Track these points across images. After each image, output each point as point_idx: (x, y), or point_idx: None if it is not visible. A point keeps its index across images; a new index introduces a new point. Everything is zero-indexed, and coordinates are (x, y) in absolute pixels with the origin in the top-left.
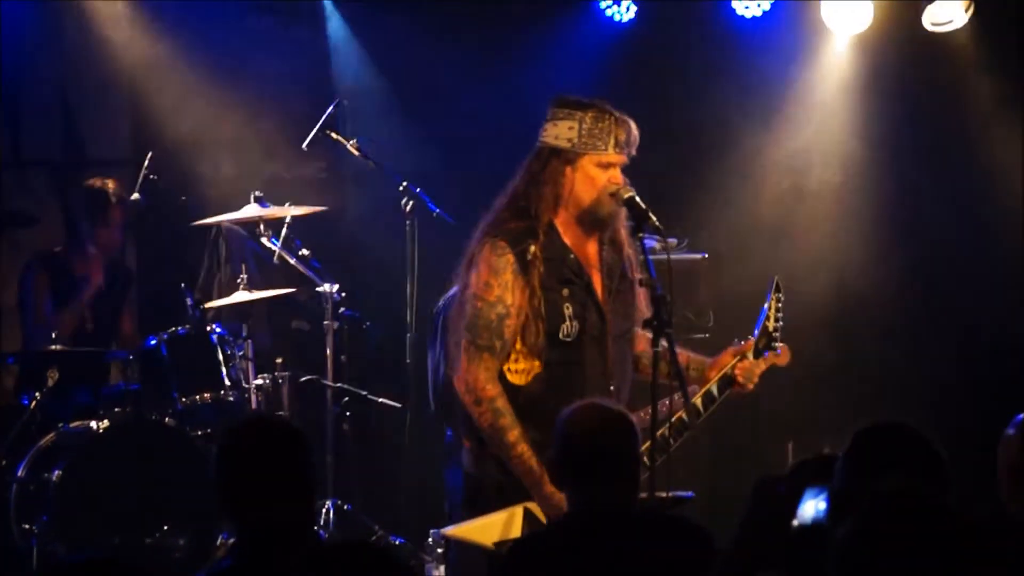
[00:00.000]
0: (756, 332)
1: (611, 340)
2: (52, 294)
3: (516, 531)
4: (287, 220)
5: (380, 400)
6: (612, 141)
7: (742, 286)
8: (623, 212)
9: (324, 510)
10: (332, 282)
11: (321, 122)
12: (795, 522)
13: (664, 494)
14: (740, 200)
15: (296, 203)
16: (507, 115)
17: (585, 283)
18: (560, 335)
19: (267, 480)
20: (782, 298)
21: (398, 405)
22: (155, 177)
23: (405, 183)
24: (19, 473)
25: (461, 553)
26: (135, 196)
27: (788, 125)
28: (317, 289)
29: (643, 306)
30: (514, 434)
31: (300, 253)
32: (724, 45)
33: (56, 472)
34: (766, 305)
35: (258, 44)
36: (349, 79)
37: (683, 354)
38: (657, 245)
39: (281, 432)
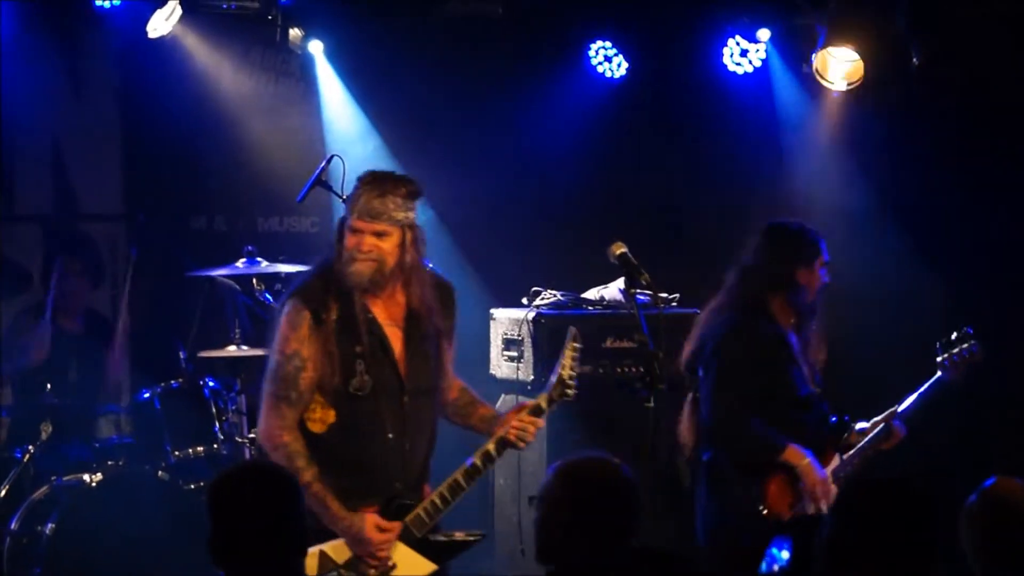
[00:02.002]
0: (550, 383)
1: (408, 396)
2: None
3: (311, 571)
4: (281, 275)
5: None
6: (359, 207)
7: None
8: (420, 273)
9: None
10: None
11: (314, 177)
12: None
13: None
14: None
15: (289, 257)
16: (501, 169)
17: (380, 341)
18: (350, 388)
19: (259, 529)
20: (578, 347)
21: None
22: (147, 230)
23: None
24: (12, 526)
25: None
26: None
27: (780, 178)
28: None
29: (447, 362)
30: (308, 474)
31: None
32: (715, 100)
33: (49, 525)
34: (561, 356)
35: (251, 99)
36: (341, 133)
37: (481, 406)
38: (649, 300)
39: (273, 480)
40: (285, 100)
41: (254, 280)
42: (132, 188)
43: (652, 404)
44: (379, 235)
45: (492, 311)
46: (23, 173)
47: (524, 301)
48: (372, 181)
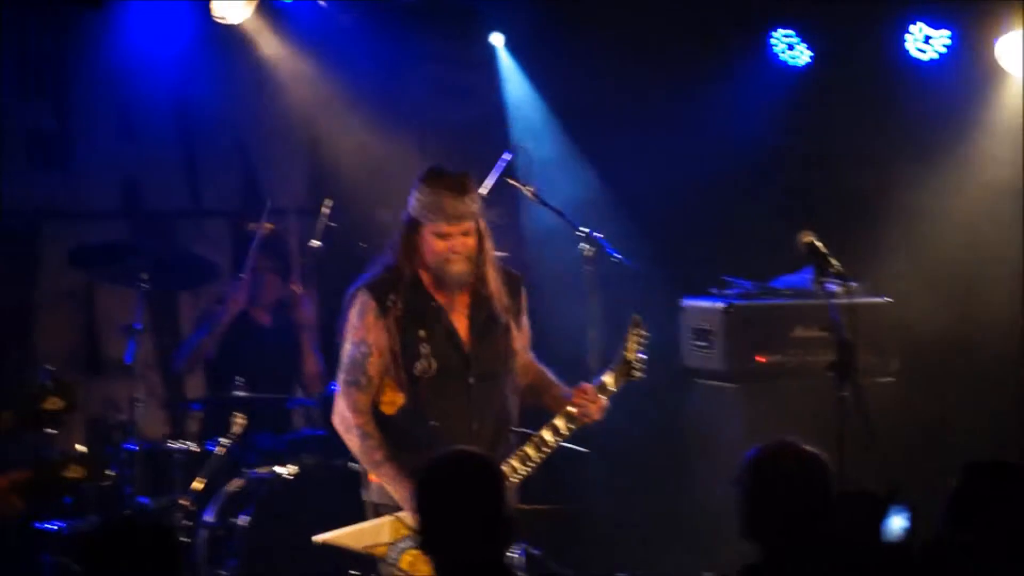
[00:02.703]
0: (612, 364)
1: (473, 378)
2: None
3: (383, 537)
4: None
5: (567, 445)
6: (444, 212)
7: (926, 329)
8: (491, 271)
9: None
10: None
11: (499, 168)
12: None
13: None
14: (920, 242)
15: None
16: (684, 158)
17: (444, 326)
18: (416, 372)
19: (464, 517)
20: (643, 332)
21: (584, 450)
22: (334, 224)
23: (584, 229)
24: (208, 518)
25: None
26: (315, 243)
27: (965, 167)
28: None
29: (516, 345)
30: (379, 454)
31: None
32: (899, 87)
33: (244, 517)
34: (625, 339)
35: (435, 91)
36: (526, 125)
37: (554, 387)
38: (839, 289)
39: (478, 468)
40: (469, 92)
41: None
42: (317, 182)
43: (846, 394)
44: (465, 233)
45: (682, 301)
46: (211, 168)
47: (713, 291)
48: (445, 183)
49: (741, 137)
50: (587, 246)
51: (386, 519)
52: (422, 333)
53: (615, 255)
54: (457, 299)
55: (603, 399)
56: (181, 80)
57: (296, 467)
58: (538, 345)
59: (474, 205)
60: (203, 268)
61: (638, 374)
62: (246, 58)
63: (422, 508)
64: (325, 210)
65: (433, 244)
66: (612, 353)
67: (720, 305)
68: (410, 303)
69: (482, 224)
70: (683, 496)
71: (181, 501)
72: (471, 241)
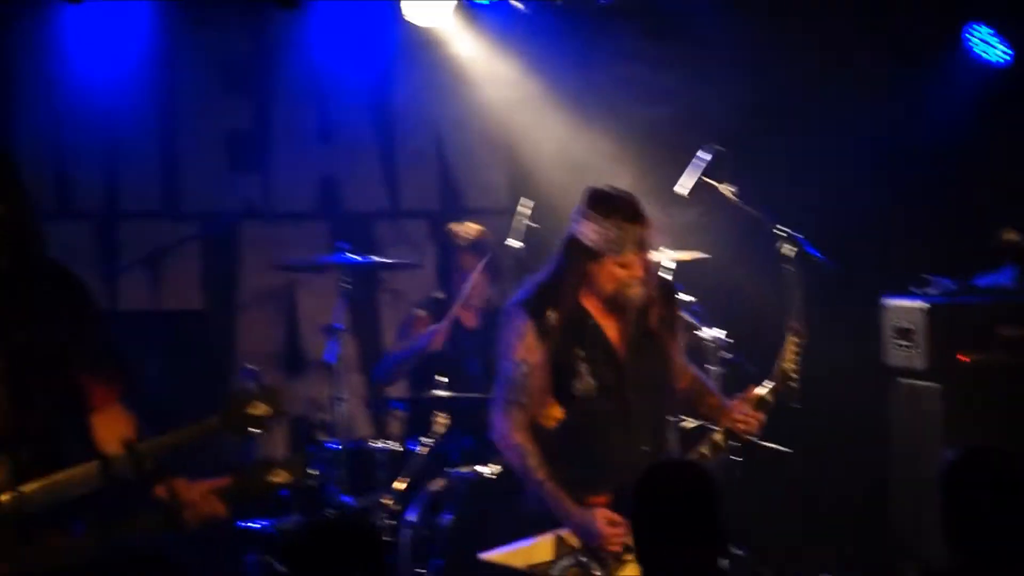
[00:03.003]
0: (772, 376)
1: (631, 394)
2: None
3: (546, 555)
4: (666, 265)
5: (767, 444)
6: (630, 244)
7: None
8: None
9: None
10: (713, 326)
11: (697, 168)
12: None
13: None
14: None
15: (675, 248)
16: (882, 158)
17: (602, 344)
18: (574, 391)
19: (676, 523)
20: (798, 341)
21: (786, 450)
22: (535, 225)
23: (784, 228)
24: (411, 518)
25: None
26: (514, 244)
27: None
28: (698, 334)
29: (674, 355)
30: (540, 473)
31: (681, 298)
32: None
33: (448, 516)
34: (782, 349)
35: (629, 88)
36: (724, 122)
37: (709, 396)
38: None
39: (692, 476)
40: (666, 91)
41: None
42: (516, 182)
43: None
44: (644, 259)
45: (883, 300)
46: (409, 169)
47: (914, 289)
48: (624, 214)
49: (939, 135)
50: (787, 246)
51: (548, 537)
52: (580, 352)
53: (815, 254)
54: (613, 314)
55: (762, 416)
56: (379, 81)
57: (499, 467)
58: (736, 347)
59: (651, 230)
60: (402, 270)
61: (793, 384)
62: (444, 59)
63: (637, 519)
64: (524, 210)
65: (615, 272)
66: (811, 355)
67: (922, 303)
68: (567, 321)
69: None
70: (882, 495)
71: (384, 501)
72: (647, 264)
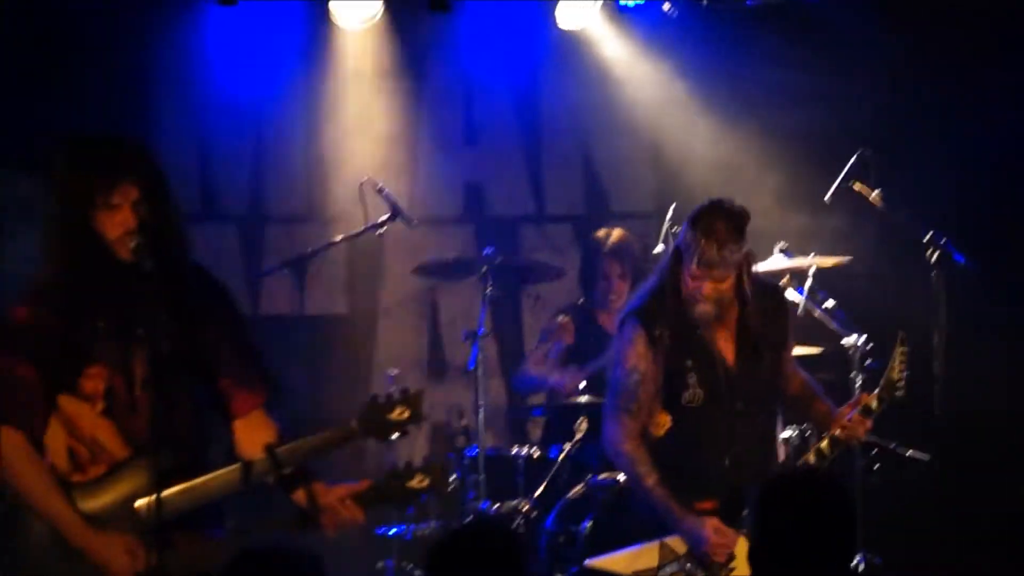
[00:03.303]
0: (880, 385)
1: (740, 404)
2: (573, 343)
3: (651, 562)
4: (812, 271)
5: (908, 453)
6: (698, 255)
7: None
8: (752, 310)
9: (853, 564)
10: (857, 333)
11: (844, 172)
12: None
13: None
14: None
15: (820, 254)
16: None
17: (710, 355)
18: (682, 400)
19: (809, 535)
20: (906, 351)
21: (926, 457)
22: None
23: (931, 233)
24: (549, 525)
25: None
26: (661, 248)
27: None
28: (842, 341)
29: (784, 363)
30: (650, 480)
31: (825, 305)
32: None
33: (585, 524)
34: (892, 358)
35: (777, 91)
36: (871, 126)
37: (818, 402)
38: None
39: (824, 487)
40: (811, 92)
41: (786, 277)
42: (662, 186)
43: None
44: (719, 280)
45: None
46: (555, 173)
47: None
48: (708, 229)
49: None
50: (934, 250)
51: (654, 543)
52: (689, 363)
53: (960, 259)
54: (723, 327)
55: (869, 423)
56: (526, 84)
57: None
58: (878, 353)
59: (733, 257)
60: (546, 274)
61: (900, 393)
62: (590, 62)
63: (759, 526)
64: (671, 215)
65: (686, 281)
66: (955, 360)
67: None
68: (677, 331)
69: (745, 268)
70: None
71: (523, 507)
72: (723, 287)
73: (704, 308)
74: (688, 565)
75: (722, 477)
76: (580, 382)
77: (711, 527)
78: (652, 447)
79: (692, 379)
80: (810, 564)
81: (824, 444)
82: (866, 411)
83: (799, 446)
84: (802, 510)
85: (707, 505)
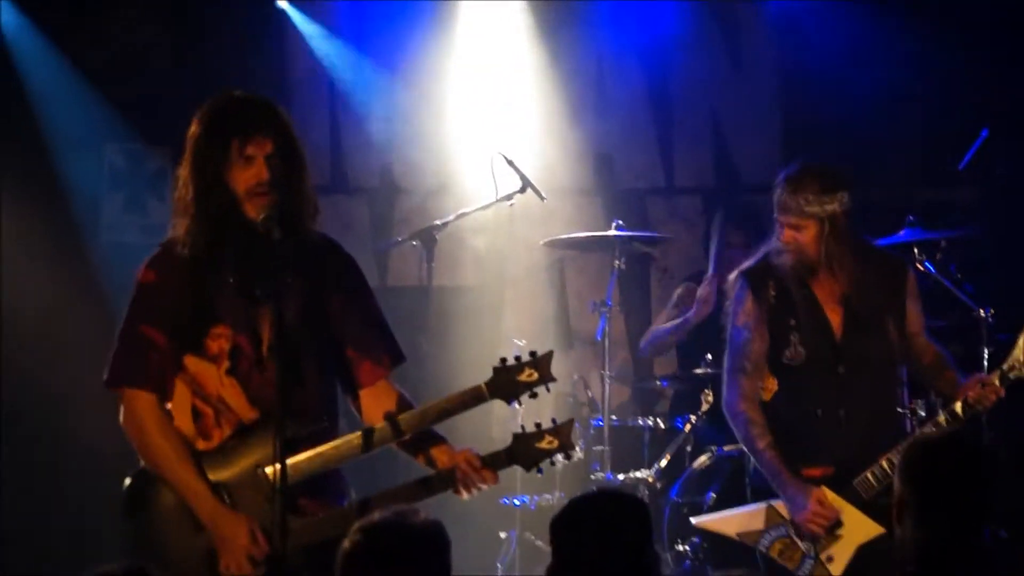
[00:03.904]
0: (1007, 361)
1: (843, 366)
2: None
3: (757, 525)
4: (941, 244)
5: None
6: (777, 205)
7: None
8: (844, 259)
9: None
10: (986, 307)
11: (975, 146)
12: None
13: None
14: None
15: (950, 227)
16: None
17: (814, 315)
18: (784, 359)
19: (954, 495)
20: None
21: None
22: None
23: None
24: (673, 495)
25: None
26: None
27: None
28: (972, 314)
29: (896, 334)
30: (762, 442)
31: (955, 277)
32: None
33: (710, 495)
34: (1019, 335)
35: (907, 64)
36: (1006, 99)
37: (947, 370)
38: None
39: (971, 451)
40: (945, 65)
41: (915, 250)
42: (789, 159)
43: None
44: (795, 228)
45: None
46: (684, 145)
47: None
48: (788, 177)
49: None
50: None
51: (761, 506)
52: (792, 321)
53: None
54: (830, 288)
55: (1001, 390)
56: (656, 56)
57: None
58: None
59: (810, 206)
60: (675, 247)
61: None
62: (719, 33)
63: (906, 491)
64: None
65: (777, 234)
66: None
67: None
68: (781, 291)
69: (828, 227)
70: None
71: (647, 478)
72: (801, 237)
73: (783, 259)
74: (792, 531)
75: (830, 442)
76: (710, 303)
77: (814, 498)
78: (763, 409)
79: (795, 337)
80: (951, 525)
81: (957, 406)
82: (1002, 378)
83: (925, 417)
84: (945, 470)
85: (815, 472)
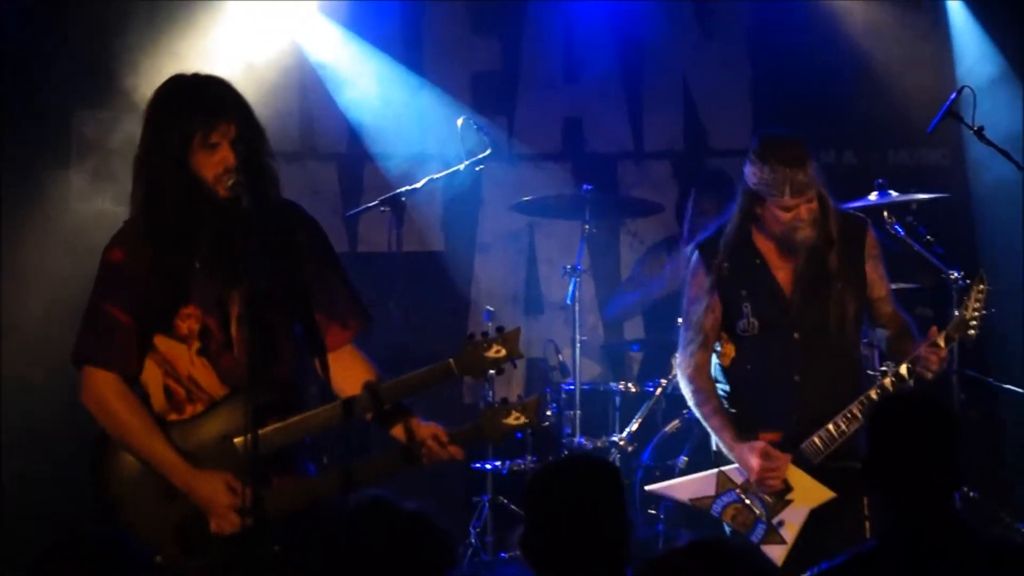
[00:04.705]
0: (952, 321)
1: (799, 333)
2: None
3: (709, 491)
4: (912, 207)
5: (1006, 387)
6: (788, 189)
7: None
8: (834, 229)
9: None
10: (956, 269)
11: (944, 108)
12: None
13: None
14: None
15: (920, 190)
16: None
17: (767, 284)
18: (738, 330)
19: (917, 454)
20: (984, 289)
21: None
22: None
23: None
24: (645, 459)
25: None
26: None
27: None
28: (942, 276)
29: (876, 297)
30: (707, 407)
31: (924, 240)
32: None
33: (682, 458)
34: (967, 296)
35: (878, 30)
36: (971, 65)
37: (906, 340)
38: None
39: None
40: (912, 30)
41: (885, 212)
42: (760, 124)
43: None
44: (809, 200)
45: None
46: (653, 109)
47: None
48: (786, 159)
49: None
50: None
51: (712, 472)
52: (743, 292)
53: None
54: (784, 254)
55: (944, 350)
56: (626, 21)
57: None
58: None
59: (812, 172)
60: (644, 210)
61: (972, 332)
62: (693, 3)
63: (872, 450)
64: None
65: (779, 216)
66: None
67: None
68: (734, 261)
69: (821, 186)
70: None
71: (619, 442)
72: (815, 206)
73: (806, 232)
74: (744, 495)
75: (785, 407)
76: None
77: (758, 452)
78: (723, 375)
79: (747, 308)
80: (919, 480)
81: (903, 368)
82: (934, 347)
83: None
84: (910, 425)
85: (773, 436)
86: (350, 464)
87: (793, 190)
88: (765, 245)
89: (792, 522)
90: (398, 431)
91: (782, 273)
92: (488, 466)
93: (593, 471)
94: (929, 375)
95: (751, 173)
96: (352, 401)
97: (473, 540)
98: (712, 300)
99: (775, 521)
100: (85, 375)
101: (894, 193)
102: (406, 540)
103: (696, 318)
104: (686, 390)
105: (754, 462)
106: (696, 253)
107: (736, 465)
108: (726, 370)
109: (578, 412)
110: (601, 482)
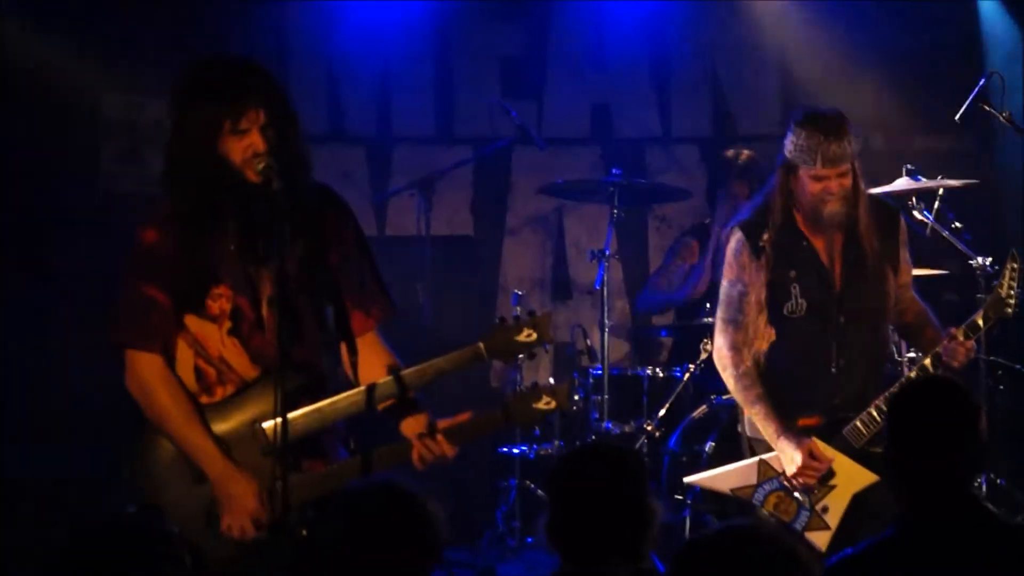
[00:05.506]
0: (987, 302)
1: (844, 316)
2: (695, 264)
3: (750, 480)
4: (940, 193)
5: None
6: (820, 157)
7: None
8: (863, 211)
9: (976, 484)
10: (984, 255)
11: (973, 94)
12: None
13: None
14: None
15: (948, 176)
16: None
17: (815, 265)
18: (784, 311)
19: (937, 443)
20: (1017, 268)
21: None
22: None
23: None
24: (672, 445)
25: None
26: None
27: None
28: (969, 262)
29: (892, 285)
30: (752, 394)
31: (952, 226)
32: None
33: (709, 444)
34: (1001, 275)
35: (901, 16)
36: (1001, 50)
37: (929, 329)
38: None
39: (953, 394)
40: (941, 16)
41: (913, 198)
42: (790, 107)
43: None
44: (841, 175)
45: None
46: (682, 95)
47: None
48: (821, 127)
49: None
50: None
51: (754, 461)
52: (792, 273)
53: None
54: (830, 239)
55: (971, 342)
56: (654, 7)
57: None
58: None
59: (850, 147)
60: (672, 196)
61: (1010, 311)
62: None
63: (893, 434)
64: None
65: (809, 186)
66: None
67: None
68: (781, 243)
69: (857, 165)
70: None
71: (646, 427)
72: (847, 182)
73: (834, 207)
74: (786, 483)
75: (826, 392)
76: (706, 285)
77: (804, 450)
78: (759, 361)
79: (795, 289)
80: (937, 467)
81: (927, 361)
82: (972, 328)
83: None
84: (930, 413)
85: (811, 421)
86: (372, 449)
87: (825, 160)
88: (807, 226)
89: (836, 507)
90: (402, 426)
91: (826, 255)
92: (515, 451)
93: (616, 457)
94: (956, 364)
95: (788, 141)
96: (376, 387)
97: (499, 525)
98: (756, 281)
99: (819, 507)
100: (129, 358)
101: (924, 179)
102: (389, 522)
103: (738, 299)
104: (728, 373)
105: (799, 458)
106: (739, 233)
107: (775, 453)
108: (763, 353)
109: (606, 397)
110: (624, 468)
